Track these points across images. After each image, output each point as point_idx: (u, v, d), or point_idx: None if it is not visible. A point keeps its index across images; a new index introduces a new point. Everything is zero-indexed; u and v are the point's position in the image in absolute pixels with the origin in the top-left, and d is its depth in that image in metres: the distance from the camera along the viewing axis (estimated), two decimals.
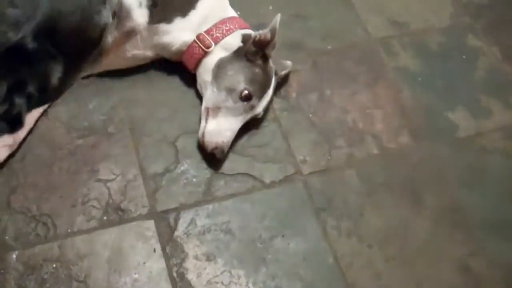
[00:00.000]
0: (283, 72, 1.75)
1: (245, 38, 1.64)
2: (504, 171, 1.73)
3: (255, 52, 1.61)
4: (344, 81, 1.82)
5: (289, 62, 1.79)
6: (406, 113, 1.79)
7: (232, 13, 1.73)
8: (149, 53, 1.67)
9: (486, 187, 1.69)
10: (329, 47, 1.89)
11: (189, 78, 1.69)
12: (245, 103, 1.58)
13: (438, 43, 1.97)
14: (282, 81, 1.77)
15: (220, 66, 1.62)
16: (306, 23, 1.93)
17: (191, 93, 1.70)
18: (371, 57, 1.89)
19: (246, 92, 1.57)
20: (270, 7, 1.94)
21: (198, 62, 1.65)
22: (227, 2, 1.75)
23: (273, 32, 1.59)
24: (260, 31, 1.61)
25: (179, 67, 1.70)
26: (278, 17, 1.59)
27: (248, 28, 1.70)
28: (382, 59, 1.90)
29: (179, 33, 1.64)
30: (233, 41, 1.64)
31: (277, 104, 1.74)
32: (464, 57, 1.95)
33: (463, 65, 1.94)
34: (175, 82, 1.71)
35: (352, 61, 1.87)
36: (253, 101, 1.59)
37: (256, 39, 1.59)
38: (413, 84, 1.86)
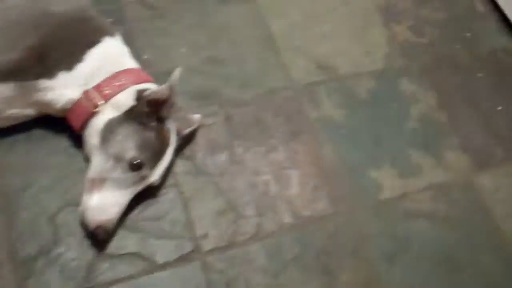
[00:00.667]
0: (188, 130, 1.57)
1: (139, 96, 1.46)
2: (431, 240, 1.58)
3: (148, 113, 1.43)
4: (260, 137, 1.66)
5: (197, 116, 1.62)
6: (325, 172, 1.63)
7: (130, 64, 1.55)
8: (30, 111, 1.50)
9: (410, 259, 1.54)
10: (246, 96, 1.72)
11: (79, 138, 1.51)
12: (135, 173, 1.40)
13: (367, 89, 1.80)
14: (188, 139, 1.60)
15: (109, 129, 1.44)
16: (222, 68, 1.76)
17: (79, 156, 1.52)
18: (292, 107, 1.72)
19: (136, 161, 1.39)
20: (183, 50, 1.77)
21: (85, 122, 1.47)
22: (126, 52, 1.57)
23: (170, 89, 1.41)
24: (154, 89, 1.43)
25: (67, 124, 1.52)
26: (177, 71, 1.42)
27: (149, 82, 1.52)
28: (304, 109, 1.73)
29: (63, 89, 1.46)
30: (126, 99, 1.47)
31: (179, 166, 1.56)
32: (395, 104, 1.79)
33: (394, 114, 1.77)
34: (61, 143, 1.53)
35: (270, 113, 1.71)
36: (145, 170, 1.42)
37: (150, 98, 1.42)
38: (336, 137, 1.69)
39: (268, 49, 1.82)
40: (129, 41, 1.71)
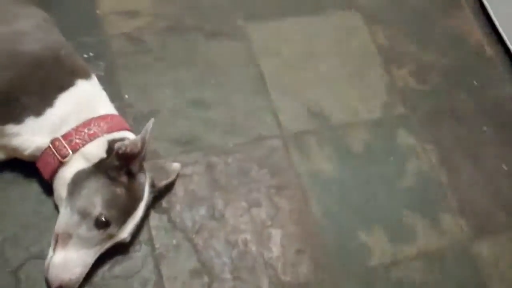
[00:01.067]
0: (165, 183, 1.48)
1: (110, 147, 1.36)
2: None
3: (118, 167, 1.33)
4: (242, 189, 1.56)
5: (176, 165, 1.53)
6: (310, 233, 1.53)
7: (105, 109, 1.45)
8: None
9: None
10: (230, 144, 1.62)
11: (50, 184, 1.42)
12: (101, 231, 1.31)
13: (362, 140, 1.70)
14: (166, 189, 1.50)
15: (76, 182, 1.35)
16: (207, 112, 1.66)
17: (50, 203, 1.43)
18: (279, 158, 1.62)
19: (102, 218, 1.30)
20: (167, 90, 1.67)
21: (53, 172, 1.38)
22: (101, 95, 1.48)
23: (142, 143, 1.31)
24: (126, 142, 1.33)
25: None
26: (150, 123, 1.33)
27: (125, 130, 1.43)
28: (292, 160, 1.62)
29: (31, 136, 1.37)
30: (96, 149, 1.37)
31: (154, 220, 1.47)
32: (391, 158, 1.68)
33: (389, 170, 1.67)
34: (32, 188, 1.45)
35: (255, 163, 1.61)
36: (113, 228, 1.32)
37: (120, 151, 1.32)
38: (325, 193, 1.59)
39: (258, 91, 1.72)
40: (109, 78, 1.64)
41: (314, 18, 1.91)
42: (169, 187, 1.51)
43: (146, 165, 1.42)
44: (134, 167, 1.34)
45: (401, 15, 1.99)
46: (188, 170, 1.55)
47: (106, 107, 1.46)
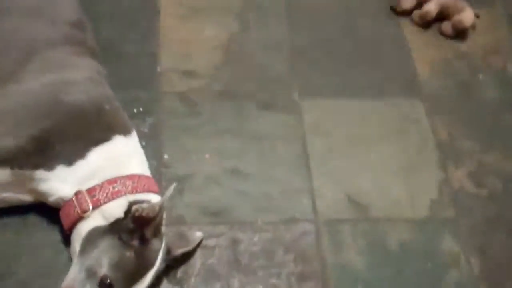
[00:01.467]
0: (181, 251, 1.45)
1: (129, 209, 1.35)
2: None
3: (132, 230, 1.32)
4: (263, 273, 1.50)
5: (198, 234, 1.50)
6: None
7: (137, 169, 1.45)
8: (25, 197, 1.44)
9: None
10: (260, 221, 1.57)
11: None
12: None
13: (400, 239, 1.60)
14: (184, 258, 1.47)
15: (90, 238, 1.35)
16: (243, 183, 1.63)
17: (66, 254, 1.44)
18: (308, 244, 1.56)
19: (106, 280, 1.28)
20: (207, 156, 1.66)
21: (73, 224, 1.38)
22: (137, 154, 1.49)
23: (159, 208, 1.30)
24: (143, 205, 1.32)
25: None
26: (171, 188, 1.31)
27: (152, 192, 1.42)
28: (322, 248, 1.55)
29: (59, 184, 1.39)
30: (116, 209, 1.37)
31: None
32: (429, 264, 1.57)
33: (425, 277, 1.55)
34: (52, 235, 1.47)
35: (282, 246, 1.55)
36: None
37: (136, 214, 1.31)
38: None
39: (299, 170, 1.68)
40: (153, 135, 1.66)
41: (374, 102, 1.86)
42: (187, 256, 1.48)
43: (167, 230, 1.41)
44: (148, 232, 1.32)
45: (468, 108, 1.89)
46: (211, 242, 1.52)
47: (137, 166, 1.46)
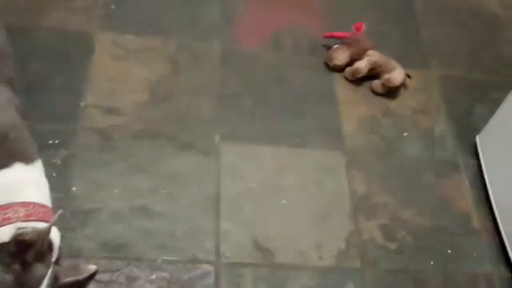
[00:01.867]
0: (70, 280, 1.43)
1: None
2: None
3: (13, 254, 1.31)
4: None
5: (92, 267, 1.49)
6: None
7: (34, 197, 1.44)
8: None
9: None
10: (159, 260, 1.57)
11: None
12: None
13: (302, 287, 1.59)
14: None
15: None
16: (150, 222, 1.64)
17: None
18: (206, 285, 1.55)
19: None
20: (116, 192, 1.66)
21: None
22: (39, 183, 1.48)
23: (40, 236, 1.29)
24: (27, 229, 1.31)
25: None
26: (56, 216, 1.31)
27: (46, 222, 1.41)
28: None
29: None
30: (4, 234, 1.35)
31: None
32: None
33: None
34: None
35: (179, 286, 1.53)
36: None
37: (19, 238, 1.30)
38: None
39: (208, 212, 1.68)
40: (64, 167, 1.66)
41: (294, 150, 1.89)
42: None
43: (62, 260, 1.40)
44: (30, 257, 1.32)
45: (389, 164, 1.92)
46: (105, 277, 1.51)
47: (35, 194, 1.46)
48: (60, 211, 1.32)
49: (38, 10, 2.04)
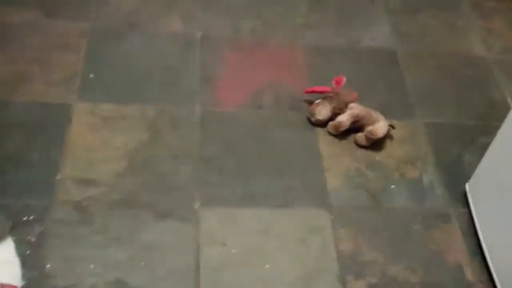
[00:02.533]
0: None
1: None
2: None
3: None
4: None
5: None
6: None
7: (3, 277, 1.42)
8: None
9: None
10: None
11: None
12: None
13: None
14: None
15: None
16: None
17: None
18: None
19: None
20: (92, 267, 1.63)
21: None
22: (7, 263, 1.46)
23: None
24: None
25: None
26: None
27: None
28: None
29: None
30: None
31: None
32: None
33: None
34: None
35: None
36: None
37: None
38: None
39: (188, 282, 1.64)
40: (39, 244, 1.63)
41: (277, 211, 1.85)
42: None
43: None
44: None
45: (376, 219, 1.88)
46: None
47: (4, 274, 1.43)
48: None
49: (16, 83, 2.06)
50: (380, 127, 2.06)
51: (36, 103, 2.01)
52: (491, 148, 1.86)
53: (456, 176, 2.03)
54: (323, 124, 2.12)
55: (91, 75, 2.14)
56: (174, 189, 1.86)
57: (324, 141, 2.08)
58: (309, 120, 2.13)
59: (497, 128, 1.84)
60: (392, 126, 2.11)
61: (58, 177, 1.82)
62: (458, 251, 1.84)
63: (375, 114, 2.10)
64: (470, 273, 1.79)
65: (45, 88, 2.06)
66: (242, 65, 2.29)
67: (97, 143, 1.94)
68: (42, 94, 2.05)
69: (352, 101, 2.12)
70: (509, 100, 2.35)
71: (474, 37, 2.61)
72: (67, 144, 1.91)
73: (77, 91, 2.07)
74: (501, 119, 1.80)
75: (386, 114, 2.11)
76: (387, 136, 2.10)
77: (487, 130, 2.17)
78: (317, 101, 2.13)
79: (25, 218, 1.70)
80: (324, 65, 2.35)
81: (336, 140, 2.09)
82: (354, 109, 2.09)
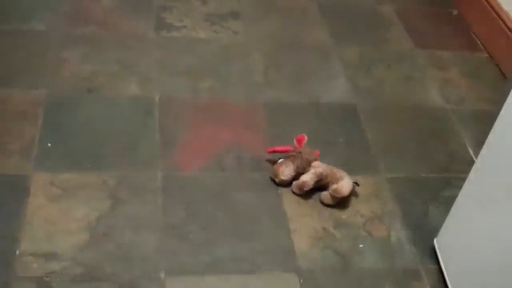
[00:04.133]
0: None
1: None
2: None
3: None
4: None
5: None
6: None
7: None
8: None
9: None
10: None
11: None
12: None
13: None
14: None
15: None
16: None
17: None
18: None
19: None
20: None
21: None
22: None
23: None
24: None
25: None
26: None
27: None
28: None
29: None
30: None
31: None
32: None
33: None
34: None
35: None
36: None
37: None
38: None
39: None
40: None
41: (244, 277, 1.84)
42: None
43: None
44: None
45: (346, 280, 1.89)
46: None
47: None
48: None
49: None
50: (344, 185, 2.09)
51: None
52: (457, 202, 1.90)
53: (423, 231, 2.07)
54: (287, 184, 2.14)
55: (49, 144, 2.13)
56: (138, 260, 1.84)
57: (289, 202, 2.10)
58: (272, 180, 2.15)
59: (460, 180, 1.89)
60: (356, 183, 2.14)
61: (17, 253, 1.78)
62: None
63: (339, 172, 2.13)
64: None
65: (1, 160, 2.03)
66: (202, 127, 2.31)
67: (57, 214, 1.92)
68: None
69: (315, 159, 2.15)
70: (469, 150, 2.42)
71: (431, 88, 2.70)
72: (25, 217, 1.89)
73: (34, 161, 2.05)
74: (462, 170, 1.85)
75: (350, 171, 2.14)
76: (352, 193, 2.13)
77: (450, 182, 2.24)
78: (279, 160, 2.16)
79: None
80: (285, 123, 2.39)
81: (301, 200, 2.11)
82: (317, 168, 2.12)
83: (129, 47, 2.61)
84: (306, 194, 2.12)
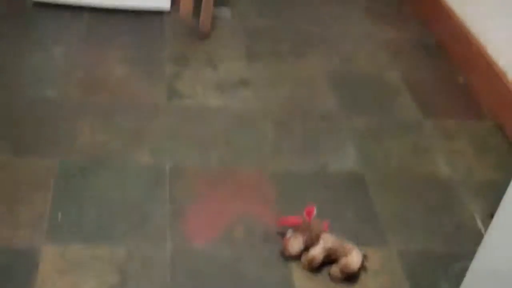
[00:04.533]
0: None
1: None
2: None
3: None
4: None
5: None
6: None
7: None
8: None
9: None
10: None
11: None
12: None
13: None
14: None
15: None
16: None
17: None
18: None
19: None
20: None
21: None
22: None
23: None
24: None
25: None
26: None
27: None
28: None
29: None
30: None
31: None
32: None
33: None
34: None
35: None
36: None
37: None
38: None
39: None
40: None
41: None
42: None
43: None
44: None
45: None
46: None
47: None
48: None
49: None
50: (354, 258, 2.08)
51: (0, 249, 1.99)
52: (467, 277, 1.88)
53: None
54: (297, 257, 2.13)
55: (59, 215, 2.14)
56: None
57: (298, 276, 2.09)
58: (282, 254, 2.14)
59: (469, 252, 1.88)
60: (365, 257, 2.13)
61: None
62: None
63: (348, 245, 2.12)
64: None
65: (11, 233, 2.05)
66: (212, 197, 2.32)
67: None
68: (7, 239, 2.04)
69: (324, 232, 2.15)
70: (478, 222, 2.41)
71: (438, 158, 2.71)
72: None
73: (45, 234, 2.06)
74: (471, 242, 1.84)
75: (359, 243, 2.14)
76: (361, 267, 2.12)
77: (459, 255, 2.22)
78: (288, 234, 2.16)
79: None
80: (294, 193, 2.40)
81: (310, 275, 2.11)
82: (326, 242, 2.11)
83: (141, 115, 2.65)
84: (315, 269, 2.11)
